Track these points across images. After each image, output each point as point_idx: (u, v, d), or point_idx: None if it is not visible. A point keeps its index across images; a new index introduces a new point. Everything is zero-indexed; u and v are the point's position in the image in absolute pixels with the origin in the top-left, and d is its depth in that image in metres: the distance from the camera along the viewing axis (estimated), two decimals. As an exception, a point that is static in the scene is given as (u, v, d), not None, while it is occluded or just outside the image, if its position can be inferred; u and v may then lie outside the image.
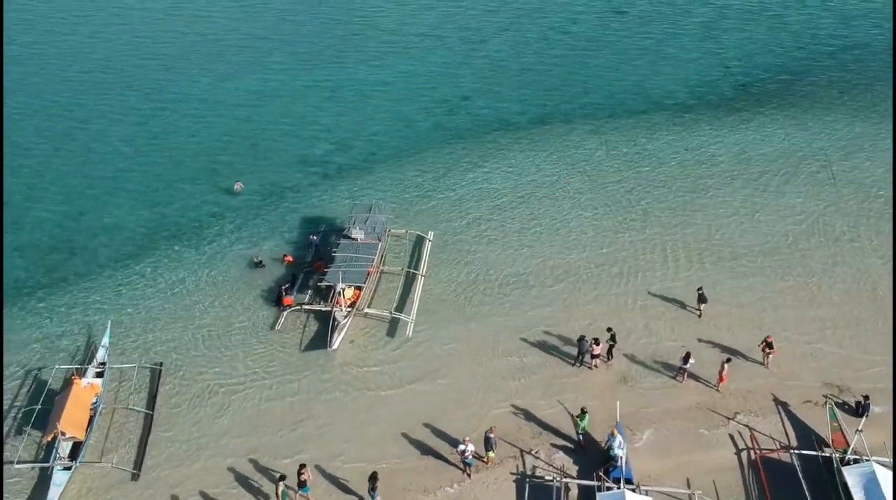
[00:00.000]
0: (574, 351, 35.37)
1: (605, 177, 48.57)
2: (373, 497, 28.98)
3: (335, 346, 36.11)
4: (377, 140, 53.54)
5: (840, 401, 33.26)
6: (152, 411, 33.58)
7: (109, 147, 53.06)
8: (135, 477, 30.93)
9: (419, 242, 43.26)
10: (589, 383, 34.59)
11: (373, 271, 40.27)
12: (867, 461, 29.32)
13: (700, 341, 36.24)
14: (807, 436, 31.90)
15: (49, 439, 31.22)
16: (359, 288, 39.00)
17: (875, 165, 48.66)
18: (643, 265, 41.05)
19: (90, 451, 31.85)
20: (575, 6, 72.00)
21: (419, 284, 39.97)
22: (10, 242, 44.10)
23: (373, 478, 28.83)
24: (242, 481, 30.79)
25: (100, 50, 65.93)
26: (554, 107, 56.92)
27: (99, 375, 34.78)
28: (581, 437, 31.79)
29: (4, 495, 30.42)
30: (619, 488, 28.88)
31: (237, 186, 48.30)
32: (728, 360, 33.69)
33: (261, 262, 42.03)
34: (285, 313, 38.50)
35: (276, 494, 29.00)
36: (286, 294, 39.04)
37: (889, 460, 29.90)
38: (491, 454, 30.75)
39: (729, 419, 32.79)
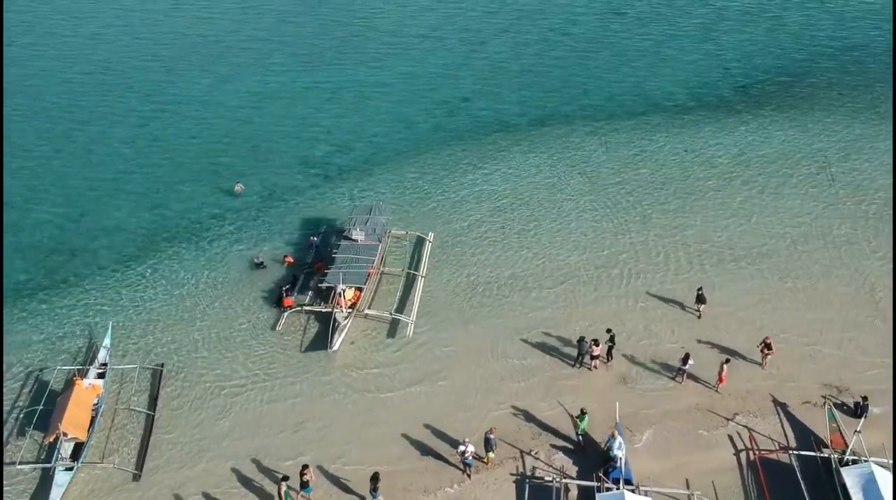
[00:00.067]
0: (574, 353, 35.50)
1: (604, 178, 48.69)
2: (374, 498, 29.10)
3: (336, 347, 36.21)
4: (377, 141, 53.66)
5: (839, 402, 33.36)
6: (154, 412, 33.69)
7: (110, 148, 53.19)
8: (136, 478, 31.03)
9: (419, 243, 43.38)
10: (588, 384, 34.70)
11: (373, 273, 40.38)
12: (866, 461, 29.40)
13: (699, 342, 36.35)
14: (806, 437, 32.01)
15: (51, 439, 31.32)
16: (359, 289, 39.10)
17: (874, 167, 48.78)
18: (643, 267, 41.17)
19: (92, 452, 31.94)
20: (575, 8, 72.18)
21: (419, 285, 40.08)
22: (11, 244, 44.21)
23: (374, 478, 28.95)
24: (244, 482, 30.87)
25: (100, 51, 66.08)
26: (554, 108, 57.06)
27: (100, 376, 34.88)
28: (581, 438, 31.89)
29: (7, 495, 30.52)
30: (618, 488, 28.98)
31: (238, 188, 48.41)
32: (727, 361, 33.80)
33: (261, 263, 42.13)
34: (286, 314, 38.60)
35: (279, 494, 29.09)
36: (287, 295, 39.15)
37: (887, 460, 29.98)
38: (491, 454, 30.85)
39: (728, 419, 32.90)
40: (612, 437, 30.36)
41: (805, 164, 49.46)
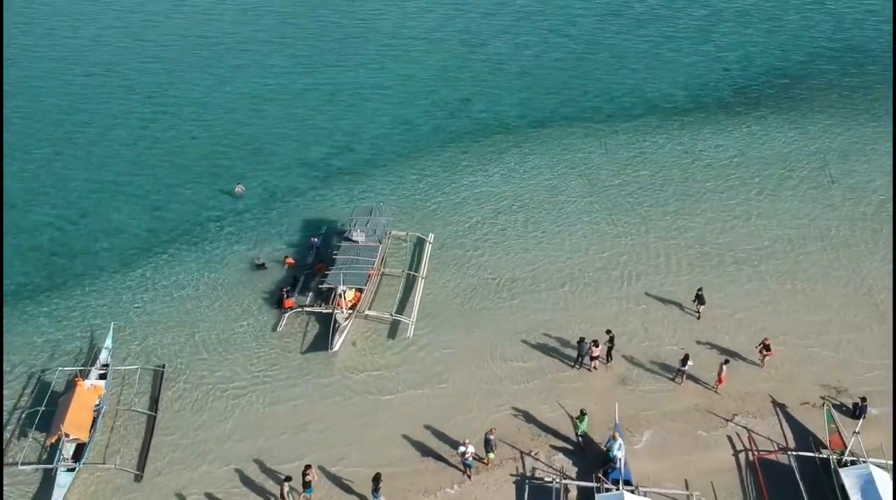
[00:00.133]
0: (574, 354, 35.62)
1: (604, 180, 48.80)
2: (376, 498, 29.21)
3: (336, 348, 36.34)
4: (378, 143, 53.76)
5: (838, 403, 33.49)
6: (155, 412, 33.81)
7: (110, 150, 53.30)
8: (138, 478, 31.13)
9: (420, 244, 43.50)
10: (588, 385, 34.82)
11: (373, 274, 40.50)
12: (864, 462, 29.50)
13: (699, 343, 36.48)
14: (804, 438, 32.11)
15: (53, 440, 31.45)
16: (360, 290, 39.20)
17: (873, 168, 48.90)
18: (643, 269, 41.28)
19: (94, 453, 32.05)
20: (574, 9, 72.27)
21: (419, 286, 40.20)
22: (12, 246, 44.30)
23: (376, 479, 29.05)
24: (246, 484, 30.96)
25: (101, 53, 66.16)
26: (553, 110, 57.18)
27: (102, 377, 34.99)
28: (580, 439, 32.01)
29: (9, 496, 30.63)
30: (618, 489, 29.09)
31: (238, 189, 48.52)
32: (726, 362, 33.92)
33: (262, 264, 42.24)
34: (287, 315, 38.71)
35: (282, 495, 29.20)
36: (287, 296, 39.25)
37: (885, 461, 30.09)
38: (491, 455, 30.98)
39: (727, 420, 33.02)
40: (612, 438, 30.47)
41: (804, 165, 49.59)
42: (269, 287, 40.78)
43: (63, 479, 30.48)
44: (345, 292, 38.41)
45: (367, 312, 38.65)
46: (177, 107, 58.13)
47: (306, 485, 29.43)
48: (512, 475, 31.17)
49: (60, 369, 35.82)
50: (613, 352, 35.54)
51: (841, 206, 45.61)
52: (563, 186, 48.38)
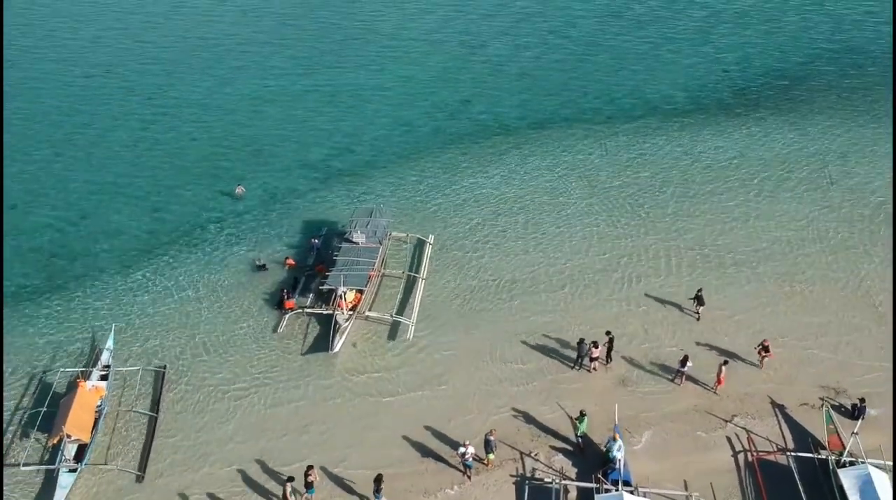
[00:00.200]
0: (573, 356, 35.72)
1: (604, 182, 48.89)
2: (377, 499, 29.31)
3: (336, 349, 36.44)
4: (378, 144, 53.83)
5: (836, 404, 33.59)
6: (156, 413, 33.91)
7: (110, 152, 53.37)
8: (139, 479, 31.24)
9: (420, 245, 43.59)
10: (588, 386, 34.92)
11: (374, 275, 40.59)
12: (863, 463, 29.61)
13: (698, 344, 36.58)
14: (803, 438, 32.23)
15: (55, 441, 31.58)
16: (360, 291, 39.31)
17: (873, 170, 49.00)
18: (643, 270, 41.37)
19: (95, 453, 32.15)
20: (574, 11, 72.35)
21: (420, 287, 40.30)
22: (12, 247, 44.40)
23: (378, 480, 29.17)
24: (248, 485, 31.08)
25: (101, 54, 66.21)
26: (553, 111, 57.25)
27: (103, 378, 35.10)
28: (580, 439, 32.12)
29: (11, 497, 30.72)
30: (617, 490, 29.19)
31: (238, 191, 48.60)
32: (725, 362, 34.04)
33: (263, 265, 42.33)
34: (287, 316, 38.80)
35: (284, 495, 29.29)
36: (288, 298, 39.35)
37: (884, 462, 30.18)
38: (491, 456, 31.09)
39: (726, 421, 33.13)
40: (612, 439, 30.59)
41: (803, 167, 49.68)
42: (269, 288, 40.87)
43: (65, 480, 30.60)
44: (345, 293, 38.52)
45: (367, 313, 38.75)
46: (177, 108, 58.21)
47: (308, 486, 29.54)
48: (512, 475, 31.28)
49: (62, 370, 35.97)
50: (613, 353, 35.64)
51: (840, 207, 45.73)
52: (564, 187, 48.48)
